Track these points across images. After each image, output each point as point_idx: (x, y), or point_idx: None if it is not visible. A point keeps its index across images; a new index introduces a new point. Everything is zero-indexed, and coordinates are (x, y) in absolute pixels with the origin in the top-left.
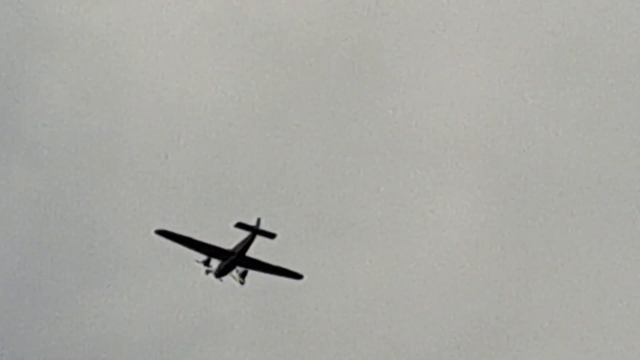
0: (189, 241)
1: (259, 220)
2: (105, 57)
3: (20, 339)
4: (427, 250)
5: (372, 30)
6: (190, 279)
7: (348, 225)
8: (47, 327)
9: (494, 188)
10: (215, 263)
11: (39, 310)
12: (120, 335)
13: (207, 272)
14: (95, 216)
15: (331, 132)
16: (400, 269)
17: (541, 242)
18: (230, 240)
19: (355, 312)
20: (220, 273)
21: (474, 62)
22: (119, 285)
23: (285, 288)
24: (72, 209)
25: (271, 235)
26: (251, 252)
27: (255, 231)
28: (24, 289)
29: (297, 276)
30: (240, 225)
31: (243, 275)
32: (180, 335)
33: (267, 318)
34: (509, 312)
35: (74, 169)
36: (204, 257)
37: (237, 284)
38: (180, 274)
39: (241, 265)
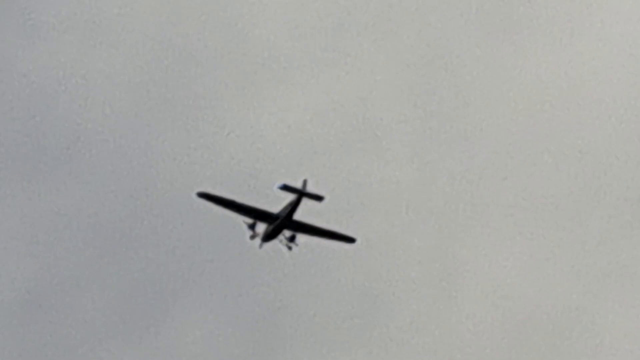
0: (232, 204)
1: (305, 182)
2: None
3: None
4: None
5: None
6: None
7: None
8: None
9: None
10: (261, 227)
11: None
12: None
13: (252, 237)
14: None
15: None
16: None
17: None
18: (276, 204)
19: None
20: (267, 237)
21: None
22: None
23: None
24: None
25: (319, 198)
26: (300, 216)
27: (301, 193)
28: None
29: (350, 240)
30: (285, 188)
31: (291, 239)
32: None
33: None
34: None
35: None
36: (249, 221)
37: (285, 249)
38: None
39: (289, 228)
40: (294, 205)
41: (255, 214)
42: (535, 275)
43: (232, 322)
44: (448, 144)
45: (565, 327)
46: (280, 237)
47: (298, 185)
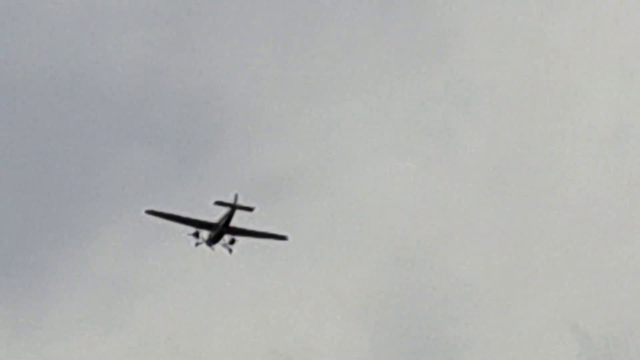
0: (177, 218)
1: (236, 196)
2: None
3: None
4: None
5: None
6: None
7: None
8: None
9: None
10: (204, 234)
11: None
12: None
13: (197, 244)
14: None
15: None
16: None
17: None
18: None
19: None
20: (210, 242)
21: None
22: None
23: None
24: None
25: (249, 209)
26: (237, 223)
27: (233, 207)
28: None
29: (283, 238)
30: (219, 203)
31: (231, 242)
32: None
33: None
34: None
35: None
36: (192, 230)
37: (226, 252)
38: None
39: (228, 233)
40: (229, 216)
41: (198, 225)
42: None
43: None
44: None
45: None
46: (222, 241)
47: (230, 199)
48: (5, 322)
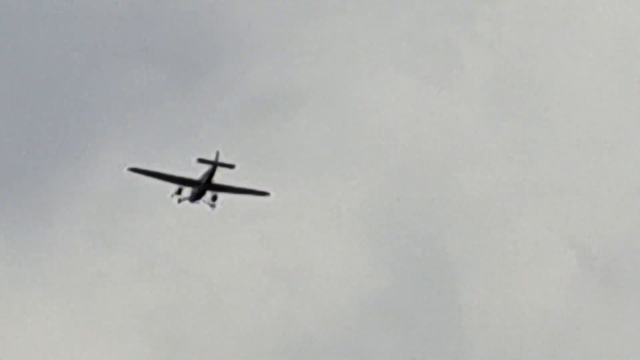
0: (160, 175)
1: (217, 153)
2: None
3: None
4: None
5: None
6: None
7: None
8: None
9: None
10: (187, 191)
11: None
12: None
13: (180, 200)
14: None
15: None
16: None
17: None
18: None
19: None
20: (193, 198)
21: None
22: None
23: None
24: None
25: (230, 166)
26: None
27: (215, 164)
28: None
29: (265, 194)
30: (201, 161)
31: (213, 199)
32: None
33: None
34: None
35: None
36: (175, 188)
37: (209, 208)
38: None
39: (211, 190)
40: (210, 173)
41: (181, 182)
42: None
43: None
44: None
45: None
46: (205, 197)
47: (212, 157)
48: (8, 239)
